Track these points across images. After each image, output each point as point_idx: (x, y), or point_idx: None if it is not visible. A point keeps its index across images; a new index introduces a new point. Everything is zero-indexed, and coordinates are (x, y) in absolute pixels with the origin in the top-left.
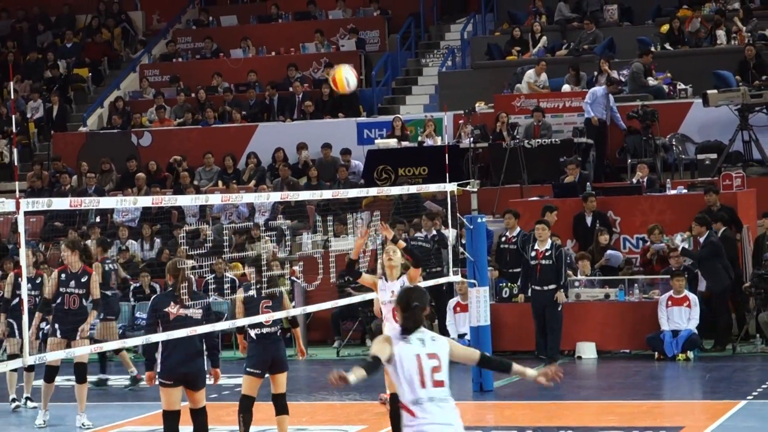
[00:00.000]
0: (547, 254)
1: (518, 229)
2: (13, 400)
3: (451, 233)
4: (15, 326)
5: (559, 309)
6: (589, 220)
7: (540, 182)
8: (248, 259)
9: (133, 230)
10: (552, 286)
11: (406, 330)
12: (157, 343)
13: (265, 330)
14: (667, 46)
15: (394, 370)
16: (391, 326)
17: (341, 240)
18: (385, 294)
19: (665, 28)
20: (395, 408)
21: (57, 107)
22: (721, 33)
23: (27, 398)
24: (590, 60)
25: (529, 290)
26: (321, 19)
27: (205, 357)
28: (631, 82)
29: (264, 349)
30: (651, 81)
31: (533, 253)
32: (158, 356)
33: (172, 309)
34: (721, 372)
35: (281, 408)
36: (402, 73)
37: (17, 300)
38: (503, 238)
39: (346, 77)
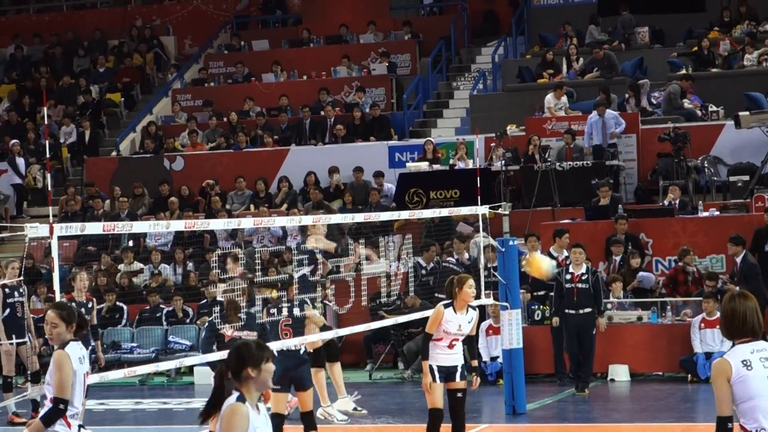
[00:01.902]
0: (583, 278)
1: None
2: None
3: (481, 254)
4: None
5: (594, 333)
6: None
7: (572, 205)
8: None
9: (166, 254)
10: (588, 310)
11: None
12: None
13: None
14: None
15: None
16: (439, 353)
17: (373, 263)
18: (452, 325)
19: (695, 50)
20: (433, 422)
21: (89, 132)
22: (752, 55)
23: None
24: (621, 83)
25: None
26: (352, 43)
27: None
28: (666, 103)
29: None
30: (686, 103)
31: (568, 276)
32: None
33: (227, 331)
34: None
35: None
36: (433, 96)
37: None
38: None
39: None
